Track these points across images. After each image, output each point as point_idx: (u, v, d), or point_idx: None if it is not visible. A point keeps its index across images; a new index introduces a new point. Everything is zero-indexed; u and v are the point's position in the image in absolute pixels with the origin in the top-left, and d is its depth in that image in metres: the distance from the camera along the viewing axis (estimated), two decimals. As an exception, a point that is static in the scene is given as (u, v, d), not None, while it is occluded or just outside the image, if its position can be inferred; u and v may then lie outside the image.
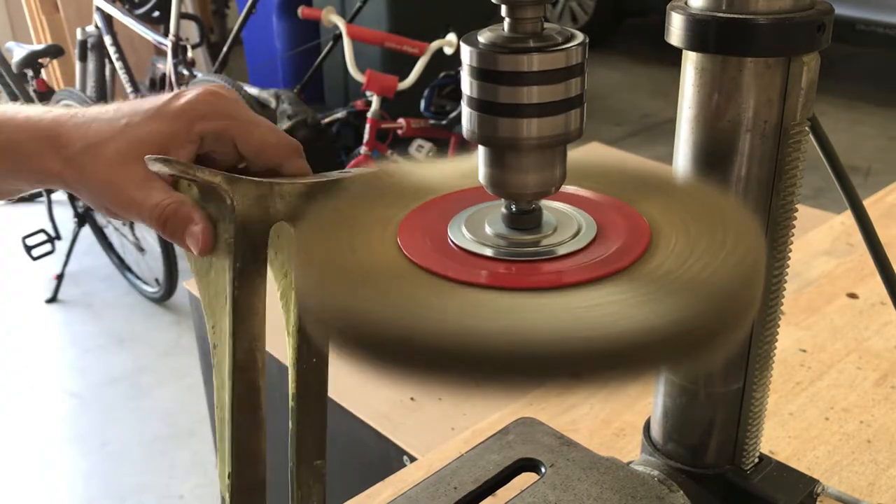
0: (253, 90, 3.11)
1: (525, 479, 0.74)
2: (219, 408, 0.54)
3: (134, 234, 3.35)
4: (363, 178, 0.57)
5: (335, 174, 0.57)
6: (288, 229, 0.54)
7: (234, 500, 0.54)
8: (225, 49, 3.29)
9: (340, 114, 3.42)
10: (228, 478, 0.54)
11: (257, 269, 0.52)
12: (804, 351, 1.10)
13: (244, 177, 0.52)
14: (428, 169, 0.60)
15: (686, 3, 0.59)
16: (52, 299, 3.36)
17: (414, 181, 0.57)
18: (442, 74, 3.49)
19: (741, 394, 0.70)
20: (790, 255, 0.65)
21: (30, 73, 3.36)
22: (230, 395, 0.53)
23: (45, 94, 3.39)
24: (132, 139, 0.55)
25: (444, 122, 3.37)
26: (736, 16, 0.55)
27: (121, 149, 0.54)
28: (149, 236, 3.29)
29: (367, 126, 3.11)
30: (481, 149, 0.49)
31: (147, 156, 0.53)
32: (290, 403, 0.58)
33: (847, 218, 1.43)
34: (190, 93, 0.57)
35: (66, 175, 0.56)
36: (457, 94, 3.46)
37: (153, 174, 0.55)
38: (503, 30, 0.47)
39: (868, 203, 1.41)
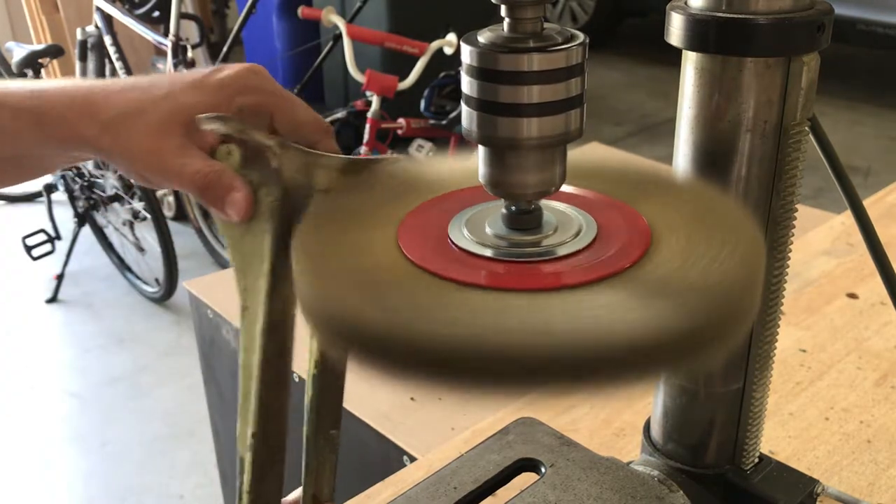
0: (253, 90, 3.09)
1: (525, 479, 0.74)
2: (245, 367, 0.55)
3: (134, 234, 3.35)
4: (373, 175, 0.58)
5: (365, 157, 0.58)
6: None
7: (257, 458, 0.55)
8: (225, 49, 3.29)
9: (340, 114, 3.42)
10: (252, 437, 0.55)
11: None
12: (804, 351, 1.10)
13: (293, 144, 0.54)
14: (432, 167, 0.60)
15: (686, 3, 0.59)
16: (52, 299, 3.36)
17: (417, 179, 0.57)
18: (442, 74, 3.49)
19: (741, 394, 0.70)
20: (790, 255, 0.65)
21: (30, 73, 3.35)
22: (260, 354, 0.54)
23: (45, 94, 3.38)
24: (173, 108, 0.55)
25: (444, 122, 3.37)
26: (736, 16, 0.55)
27: (161, 117, 0.55)
28: (148, 236, 3.29)
29: (367, 126, 3.11)
30: (481, 149, 0.49)
31: (200, 115, 0.54)
32: (312, 371, 0.58)
33: (847, 218, 1.43)
34: (230, 67, 0.58)
35: (101, 141, 0.56)
36: (457, 94, 3.46)
37: (191, 143, 0.55)
38: (503, 30, 0.47)
39: (868, 203, 1.41)
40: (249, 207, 0.54)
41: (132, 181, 0.59)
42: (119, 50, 3.35)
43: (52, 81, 0.58)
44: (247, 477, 0.56)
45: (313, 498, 0.60)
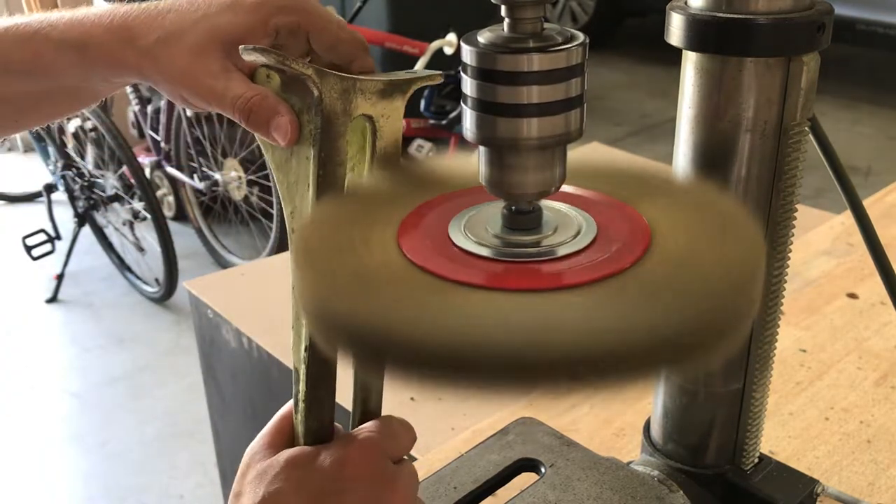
0: (253, 90, 3.10)
1: (525, 479, 0.74)
2: (295, 288, 0.56)
3: (134, 234, 3.35)
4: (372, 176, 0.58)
5: (405, 74, 0.58)
6: (363, 124, 0.57)
7: (310, 370, 0.57)
8: (225, 49, 3.29)
9: (340, 114, 3.41)
10: (305, 351, 0.56)
11: (338, 160, 0.55)
12: (804, 351, 1.10)
13: (331, 71, 0.54)
14: (432, 167, 0.60)
15: (686, 3, 0.59)
16: (52, 299, 3.36)
17: (418, 179, 0.57)
18: (442, 74, 3.49)
19: (741, 394, 0.70)
20: (790, 255, 0.65)
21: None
22: None
23: (45, 94, 3.38)
24: (210, 29, 0.56)
25: (444, 122, 3.37)
26: (736, 16, 0.55)
27: (198, 39, 0.55)
28: (148, 236, 3.29)
29: (367, 126, 3.10)
30: (481, 149, 0.49)
31: (242, 46, 0.54)
32: None
33: (847, 218, 1.43)
34: None
35: (142, 66, 0.56)
36: (457, 94, 3.46)
37: (231, 65, 0.56)
38: (503, 30, 0.47)
39: (868, 203, 1.41)
40: (295, 131, 0.54)
41: (177, 102, 0.60)
42: (119, 50, 3.34)
43: (91, 9, 0.59)
44: (302, 387, 0.57)
45: (363, 403, 0.62)
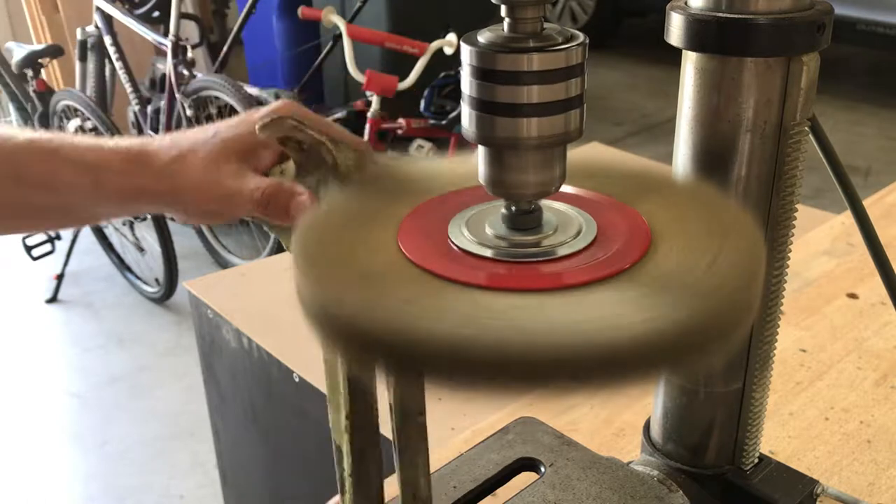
0: (253, 90, 3.11)
1: (525, 478, 0.74)
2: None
3: (134, 234, 3.35)
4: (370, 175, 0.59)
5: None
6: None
7: (354, 442, 0.56)
8: (225, 49, 3.29)
9: (340, 114, 3.43)
10: (346, 419, 0.56)
11: None
12: (804, 351, 1.10)
13: (343, 141, 0.57)
14: (431, 167, 0.60)
15: (686, 3, 0.59)
16: (52, 299, 3.36)
17: (416, 179, 0.57)
18: (442, 74, 3.50)
19: (741, 394, 0.70)
20: (790, 255, 0.65)
21: (30, 73, 3.35)
22: None
23: (45, 94, 3.39)
24: (223, 141, 0.61)
25: (444, 122, 3.38)
26: (736, 16, 0.55)
27: (213, 150, 0.60)
28: (148, 236, 3.29)
29: (367, 126, 3.11)
30: (481, 149, 0.49)
31: (258, 124, 0.57)
32: None
33: (847, 218, 1.43)
34: (268, 105, 0.62)
35: (159, 187, 0.60)
36: (457, 94, 3.47)
37: (245, 168, 0.60)
38: (503, 30, 0.47)
39: (868, 203, 1.41)
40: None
41: (193, 224, 0.63)
42: (119, 50, 3.35)
43: (113, 138, 0.63)
44: (347, 461, 0.57)
45: (413, 497, 0.60)
